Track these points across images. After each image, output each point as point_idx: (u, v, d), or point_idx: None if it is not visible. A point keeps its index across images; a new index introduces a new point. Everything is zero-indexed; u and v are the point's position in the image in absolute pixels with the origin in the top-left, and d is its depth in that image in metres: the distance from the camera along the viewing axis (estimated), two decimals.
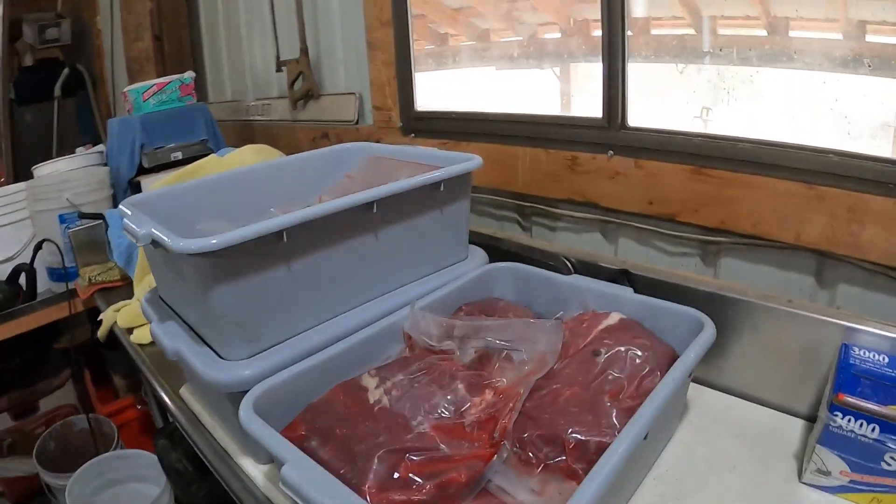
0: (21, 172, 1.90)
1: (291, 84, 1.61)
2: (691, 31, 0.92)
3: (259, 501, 0.65)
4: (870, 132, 0.75)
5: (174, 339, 0.70)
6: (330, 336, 0.68)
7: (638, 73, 0.96)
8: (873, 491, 0.56)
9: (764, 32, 0.83)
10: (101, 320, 1.16)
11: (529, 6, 1.16)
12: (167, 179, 1.25)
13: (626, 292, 0.74)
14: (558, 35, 1.13)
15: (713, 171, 0.84)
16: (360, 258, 0.73)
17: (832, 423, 0.56)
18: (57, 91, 2.49)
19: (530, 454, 0.54)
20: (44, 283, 1.48)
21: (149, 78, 1.76)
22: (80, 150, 1.67)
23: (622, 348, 0.62)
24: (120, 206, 0.76)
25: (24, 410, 1.76)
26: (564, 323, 0.71)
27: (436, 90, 1.34)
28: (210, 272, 0.60)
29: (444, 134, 1.25)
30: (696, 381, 0.77)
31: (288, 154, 1.06)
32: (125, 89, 1.60)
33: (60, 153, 1.73)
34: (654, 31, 0.96)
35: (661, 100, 0.97)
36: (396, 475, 0.50)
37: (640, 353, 0.61)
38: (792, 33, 0.80)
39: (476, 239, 0.95)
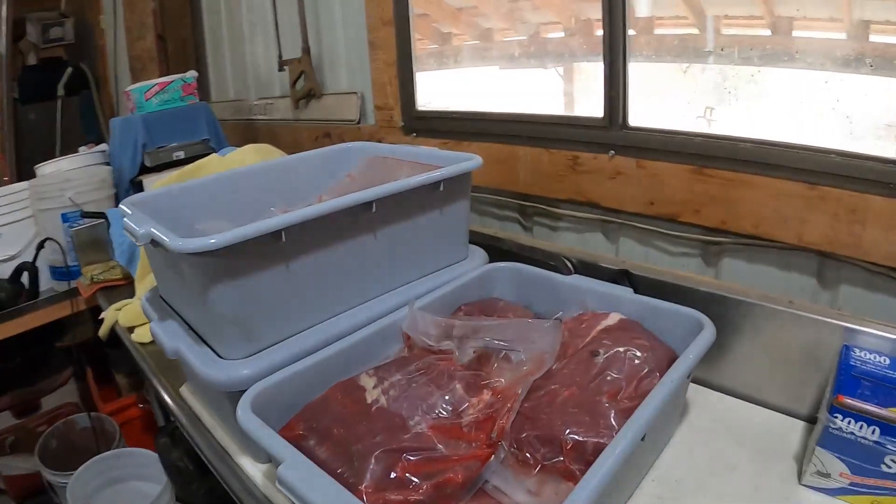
0: (25, 171, 1.90)
1: (293, 83, 1.61)
2: (695, 31, 0.91)
3: (258, 500, 0.65)
4: (873, 133, 0.74)
5: (174, 339, 0.70)
6: (328, 336, 0.68)
7: (642, 73, 0.95)
8: (873, 493, 0.55)
9: (768, 32, 0.83)
10: (102, 319, 1.16)
11: (532, 6, 1.16)
12: (168, 179, 1.25)
13: (625, 293, 0.73)
14: (562, 34, 1.13)
15: (714, 171, 0.84)
16: (360, 258, 0.72)
17: (832, 425, 0.56)
18: (60, 90, 2.50)
19: (528, 455, 0.54)
20: (46, 282, 1.49)
21: (152, 77, 1.77)
22: (82, 149, 1.68)
23: (621, 349, 0.62)
24: (120, 206, 0.77)
25: (26, 409, 1.77)
26: (564, 323, 0.71)
27: (440, 90, 1.34)
28: (209, 272, 0.60)
29: (445, 133, 1.25)
30: (696, 381, 0.77)
31: (290, 153, 1.06)
32: (127, 88, 1.61)
33: (64, 152, 1.74)
34: (657, 31, 0.96)
35: (665, 99, 0.96)
36: (393, 475, 0.50)
37: (639, 353, 0.61)
38: (795, 33, 0.80)
39: (476, 239, 0.95)
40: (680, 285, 0.78)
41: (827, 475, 0.57)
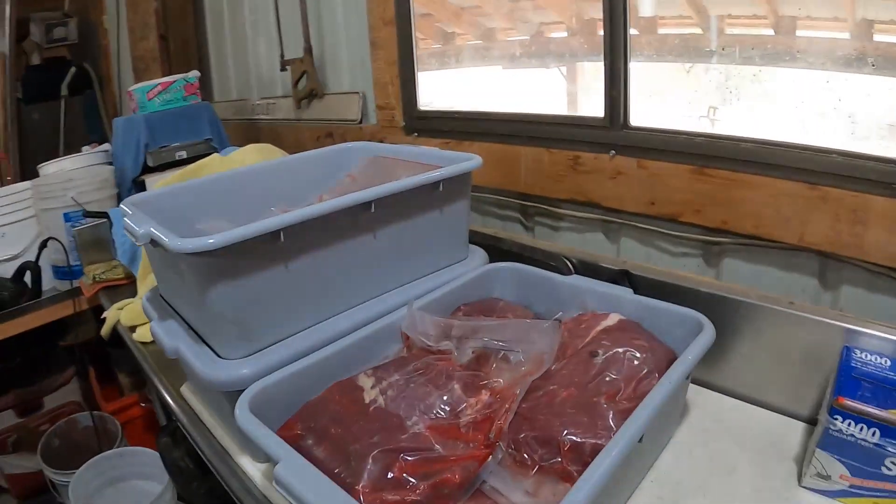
0: (28, 171, 1.91)
1: (295, 83, 1.61)
2: (698, 31, 0.91)
3: (257, 500, 0.65)
4: (878, 133, 0.74)
5: (173, 338, 0.70)
6: (327, 336, 0.68)
7: (645, 73, 0.95)
8: (873, 496, 0.55)
9: (771, 32, 0.82)
10: (104, 318, 1.17)
11: (535, 5, 1.16)
12: (170, 179, 1.25)
13: (625, 293, 0.73)
14: (565, 34, 1.13)
15: (715, 171, 0.83)
16: (359, 258, 0.72)
17: (832, 427, 0.55)
18: (64, 90, 2.52)
19: (525, 455, 0.53)
20: (49, 281, 1.50)
21: (154, 77, 1.77)
22: (85, 148, 1.69)
23: (620, 349, 0.62)
24: (121, 206, 0.77)
25: (28, 408, 1.78)
26: (563, 324, 0.70)
27: (443, 90, 1.34)
28: (208, 271, 0.60)
29: (446, 133, 1.25)
30: (696, 382, 0.77)
31: (292, 153, 1.06)
32: (130, 88, 1.61)
33: (67, 152, 1.74)
34: (660, 31, 0.96)
35: (669, 99, 0.96)
36: (390, 475, 0.50)
37: (638, 354, 0.61)
38: (799, 33, 0.80)
39: (477, 239, 0.95)
40: (680, 286, 0.78)
41: (827, 477, 0.57)
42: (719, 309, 0.72)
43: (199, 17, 2.13)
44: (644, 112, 0.95)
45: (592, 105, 1.01)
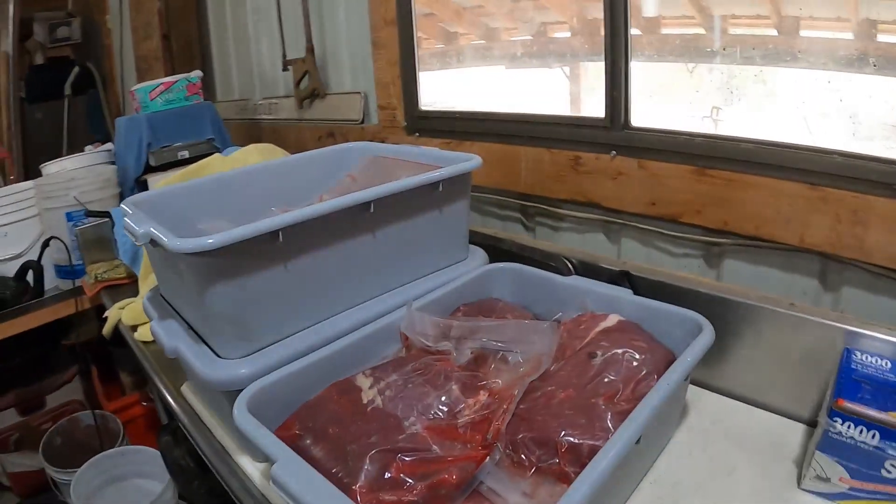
0: (32, 170, 1.92)
1: (297, 83, 1.61)
2: (701, 31, 0.91)
3: (256, 499, 0.65)
4: (881, 133, 0.74)
5: (173, 338, 0.70)
6: (326, 336, 0.68)
7: (648, 73, 0.95)
8: (873, 499, 0.55)
9: (774, 32, 0.82)
10: (106, 317, 1.17)
11: (538, 5, 1.16)
12: (171, 178, 1.25)
13: (625, 294, 0.73)
14: (568, 34, 1.12)
15: (716, 171, 0.83)
16: (358, 258, 0.72)
17: (832, 429, 0.55)
18: (67, 89, 2.52)
19: (523, 456, 0.53)
20: (51, 281, 1.50)
21: (157, 77, 1.78)
22: (88, 148, 1.69)
23: (619, 350, 0.62)
24: (121, 205, 0.77)
25: (31, 406, 1.79)
26: (562, 324, 0.70)
27: (447, 90, 1.34)
28: (206, 271, 0.60)
29: (447, 133, 1.24)
30: (695, 383, 0.77)
31: (293, 153, 1.06)
32: (132, 88, 1.62)
33: (71, 151, 1.75)
34: (663, 31, 0.95)
35: (672, 99, 0.96)
36: (388, 475, 0.50)
37: (637, 355, 0.61)
38: (802, 33, 0.79)
39: (477, 239, 0.95)
40: (680, 286, 0.78)
41: (826, 480, 0.57)
42: (719, 310, 0.72)
43: (201, 17, 2.14)
44: (647, 112, 0.95)
45: (595, 105, 1.01)
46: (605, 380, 0.59)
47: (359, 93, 1.47)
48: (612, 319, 0.68)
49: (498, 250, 0.99)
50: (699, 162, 0.85)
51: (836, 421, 0.55)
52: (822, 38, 0.77)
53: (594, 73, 1.07)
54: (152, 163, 1.56)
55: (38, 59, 2.52)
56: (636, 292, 0.73)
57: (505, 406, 0.56)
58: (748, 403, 0.73)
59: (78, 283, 1.43)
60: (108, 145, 1.69)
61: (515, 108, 1.16)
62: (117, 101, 2.62)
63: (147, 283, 1.15)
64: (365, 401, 0.59)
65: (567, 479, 0.51)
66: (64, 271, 1.47)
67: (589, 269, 0.88)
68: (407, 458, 0.51)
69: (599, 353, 0.62)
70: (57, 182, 1.45)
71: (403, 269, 0.79)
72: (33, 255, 1.48)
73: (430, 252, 0.82)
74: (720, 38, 0.87)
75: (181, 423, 0.83)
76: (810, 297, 0.80)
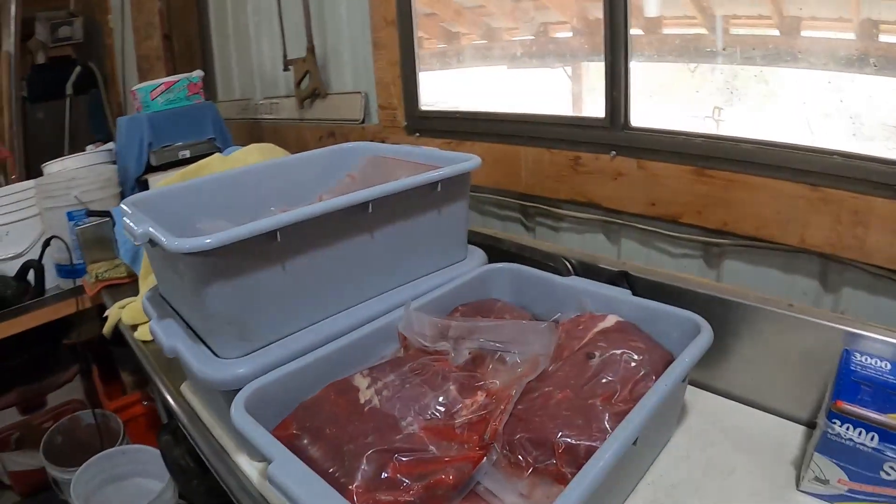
0: (33, 170, 1.92)
1: (298, 83, 1.61)
2: (702, 31, 0.91)
3: (254, 499, 0.65)
4: (882, 134, 0.73)
5: (171, 337, 0.70)
6: (324, 336, 0.68)
7: (649, 73, 0.94)
8: (872, 500, 0.55)
9: (776, 32, 0.82)
10: (106, 317, 1.17)
11: (539, 5, 1.15)
12: (171, 178, 1.25)
13: (623, 294, 0.73)
14: (569, 34, 1.12)
15: (716, 172, 0.83)
16: (356, 258, 0.72)
17: (830, 431, 0.55)
18: (69, 89, 2.53)
19: (520, 457, 0.53)
20: (52, 280, 1.50)
21: (159, 76, 1.78)
22: (89, 147, 1.69)
23: (617, 351, 0.61)
24: (121, 205, 0.77)
25: (32, 405, 1.79)
26: (561, 325, 0.70)
27: (448, 89, 1.33)
28: (205, 271, 0.60)
29: (447, 133, 1.24)
30: (694, 384, 0.76)
31: (294, 153, 1.06)
32: (133, 88, 1.62)
33: (72, 151, 1.75)
34: (665, 31, 0.95)
35: (674, 99, 0.96)
36: (384, 475, 0.50)
37: (635, 356, 0.61)
38: (804, 33, 0.79)
39: (476, 239, 0.95)
40: (679, 287, 0.78)
41: (825, 481, 0.56)
42: (718, 311, 0.72)
43: (202, 17, 2.14)
44: (649, 113, 0.95)
45: (597, 105, 1.00)
46: (603, 380, 0.59)
47: (359, 93, 1.47)
48: (611, 320, 0.68)
49: (497, 250, 0.99)
50: (699, 162, 0.85)
51: (835, 422, 0.55)
52: (823, 39, 0.77)
53: (596, 73, 1.06)
54: (153, 162, 1.56)
55: (40, 59, 2.52)
56: (635, 293, 0.73)
57: (502, 406, 0.56)
58: (747, 404, 0.73)
59: (79, 282, 1.43)
60: (110, 145, 1.69)
61: (517, 109, 1.15)
62: (119, 100, 2.62)
63: (147, 282, 1.15)
64: (362, 401, 0.59)
65: (564, 480, 0.50)
66: (65, 271, 1.47)
67: (588, 270, 0.88)
68: (404, 459, 0.51)
69: (597, 353, 0.62)
70: (58, 181, 1.46)
71: (402, 270, 0.79)
72: (34, 255, 1.48)
73: (428, 252, 0.82)
74: (721, 39, 0.87)
75: (180, 423, 0.83)
76: (810, 298, 0.80)
